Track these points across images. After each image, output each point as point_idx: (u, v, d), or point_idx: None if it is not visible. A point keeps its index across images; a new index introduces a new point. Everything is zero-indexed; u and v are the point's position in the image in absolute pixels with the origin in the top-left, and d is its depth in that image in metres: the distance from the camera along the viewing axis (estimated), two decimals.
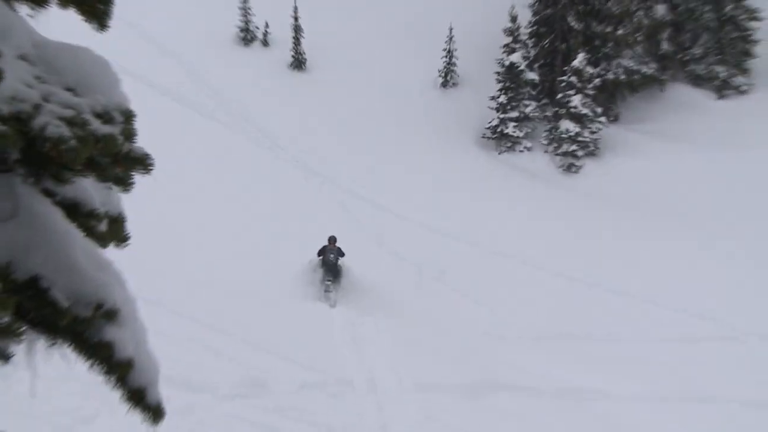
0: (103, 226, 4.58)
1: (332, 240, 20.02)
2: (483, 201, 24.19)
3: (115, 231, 4.72)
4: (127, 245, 4.78)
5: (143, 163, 4.25)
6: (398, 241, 21.58)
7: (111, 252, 4.70)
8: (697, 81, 30.37)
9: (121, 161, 4.21)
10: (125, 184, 4.37)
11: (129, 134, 4.19)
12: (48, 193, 4.38)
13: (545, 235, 22.58)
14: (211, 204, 21.62)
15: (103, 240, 4.66)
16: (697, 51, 30.60)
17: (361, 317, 17.27)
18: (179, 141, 23.71)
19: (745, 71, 29.80)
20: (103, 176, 4.29)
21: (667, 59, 31.19)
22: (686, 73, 30.84)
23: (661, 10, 30.94)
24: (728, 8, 29.66)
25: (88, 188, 4.51)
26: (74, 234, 4.40)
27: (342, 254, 20.06)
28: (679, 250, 21.96)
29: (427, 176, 24.95)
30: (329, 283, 19.67)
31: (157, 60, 28.39)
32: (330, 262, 19.91)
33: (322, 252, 19.99)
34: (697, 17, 30.52)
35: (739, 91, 29.46)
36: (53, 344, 4.27)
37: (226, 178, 23.08)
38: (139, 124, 4.29)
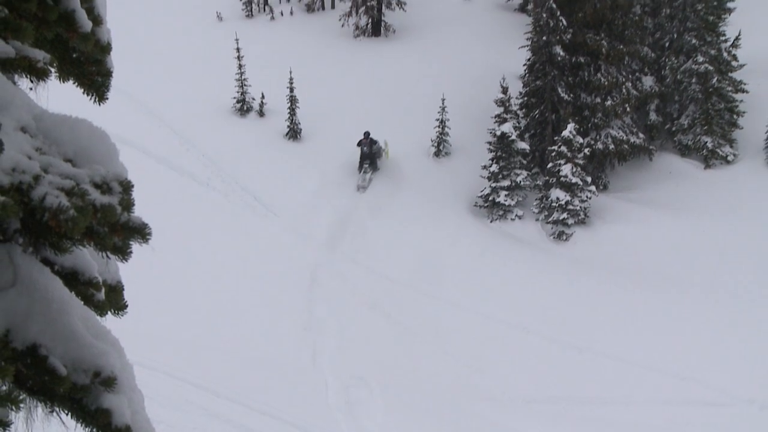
0: (101, 295, 4.70)
1: (366, 135, 28.62)
2: (475, 267, 24.54)
3: (113, 299, 4.86)
4: (125, 313, 4.91)
5: (141, 232, 4.39)
6: (391, 304, 21.91)
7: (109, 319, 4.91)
8: (685, 151, 30.96)
9: (119, 230, 4.33)
10: (123, 253, 4.49)
11: (127, 204, 4.35)
12: (47, 262, 4.50)
13: (536, 300, 22.94)
14: (207, 270, 21.98)
15: (101, 308, 4.79)
16: (684, 122, 31.25)
17: (354, 379, 17.50)
18: (176, 208, 24.15)
19: (731, 142, 30.44)
20: (102, 245, 4.41)
21: (655, 129, 31.88)
22: (674, 143, 31.48)
23: (648, 81, 31.68)
24: (714, 80, 30.32)
25: (87, 257, 4.65)
26: (73, 302, 4.53)
27: (375, 142, 28.60)
28: (668, 314, 22.36)
29: (420, 242, 25.33)
30: (366, 166, 28.48)
31: (155, 130, 28.93)
32: (364, 152, 28.49)
33: (359, 144, 28.64)
34: (684, 89, 31.23)
35: (726, 161, 30.05)
36: (52, 411, 4.42)
37: (222, 243, 23.47)
38: (136, 194, 4.48)
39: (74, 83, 4.83)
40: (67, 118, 4.69)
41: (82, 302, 4.69)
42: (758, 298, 22.82)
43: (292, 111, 29.87)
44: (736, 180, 28.99)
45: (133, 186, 4.43)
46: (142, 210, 4.72)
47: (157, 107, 30.33)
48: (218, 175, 27.42)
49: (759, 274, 23.95)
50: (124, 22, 34.90)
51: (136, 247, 4.51)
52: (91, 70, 4.78)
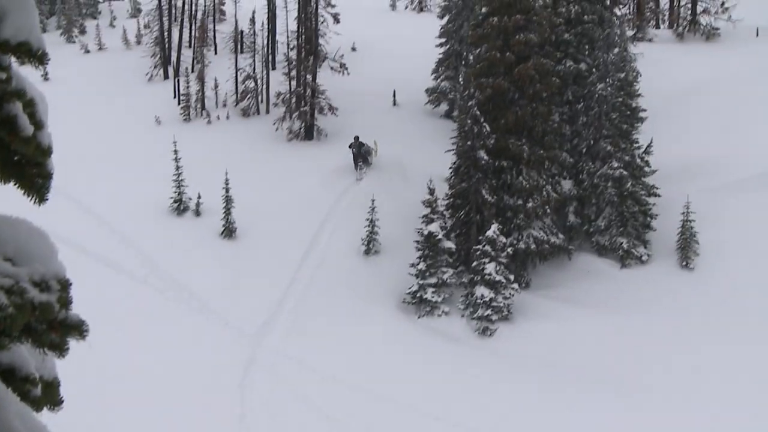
0: (37, 391, 4.68)
1: (356, 138, 36.37)
2: (405, 362, 25.35)
3: (49, 395, 4.83)
4: (60, 408, 4.94)
5: (78, 329, 4.51)
6: (323, 398, 22.56)
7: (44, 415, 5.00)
8: (602, 251, 32.19)
9: (56, 327, 4.49)
10: (60, 349, 4.59)
11: (65, 302, 4.46)
12: None
13: (460, 395, 23.73)
14: (142, 366, 22.54)
15: (37, 404, 4.77)
16: (601, 223, 32.47)
17: None
18: (113, 305, 24.80)
19: (645, 243, 31.75)
20: (40, 342, 4.54)
21: (574, 230, 33.07)
22: (591, 244, 32.63)
23: (567, 185, 33.07)
24: (628, 184, 31.71)
25: (24, 353, 4.64)
26: (9, 398, 4.57)
27: (363, 144, 36.24)
28: (587, 408, 23.24)
29: (351, 338, 26.12)
30: (360, 163, 36.36)
31: (93, 229, 29.69)
32: (355, 153, 36.28)
33: (351, 146, 36.25)
34: (601, 192, 32.45)
35: (641, 261, 31.34)
36: None
37: (157, 339, 24.09)
38: (74, 292, 4.62)
39: (15, 185, 4.83)
40: (7, 218, 4.79)
41: (19, 398, 4.69)
42: (668, 396, 23.70)
43: (228, 211, 30.80)
44: (651, 279, 30.21)
45: (71, 284, 4.56)
46: (79, 307, 4.84)
47: (96, 207, 31.12)
48: (155, 272, 28.14)
49: (670, 372, 24.96)
50: (65, 125, 35.87)
51: (73, 343, 4.63)
52: (32, 172, 4.77)
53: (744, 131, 36.91)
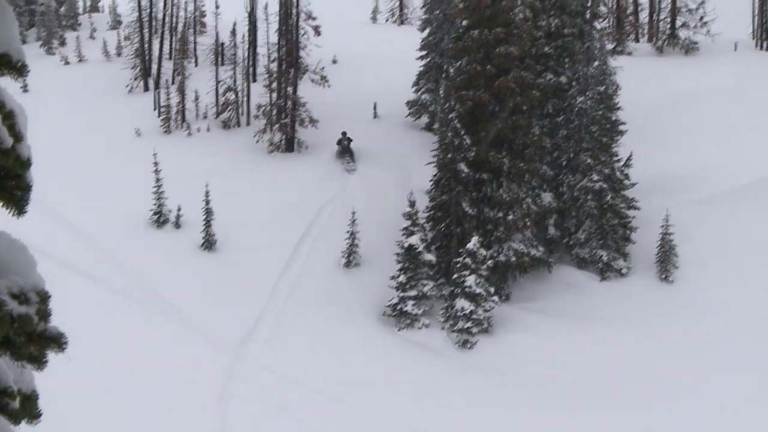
0: (15, 404, 4.64)
1: (344, 134, 38.73)
2: (384, 374, 25.34)
3: (27, 408, 4.80)
4: (39, 421, 4.90)
5: (57, 341, 4.48)
6: (303, 409, 22.53)
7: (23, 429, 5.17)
8: (582, 264, 32.36)
9: (35, 340, 4.47)
10: (39, 362, 4.56)
11: (44, 314, 4.45)
12: None
13: (439, 407, 23.75)
14: (123, 379, 22.46)
15: (15, 417, 4.71)
16: (581, 236, 32.64)
17: None
18: (93, 318, 24.70)
19: (624, 255, 31.91)
20: (18, 354, 4.51)
21: (554, 243, 33.23)
22: (572, 256, 32.81)
23: (547, 197, 33.22)
24: (608, 197, 31.89)
25: (2, 366, 4.60)
26: None
27: (350, 140, 38.71)
28: (567, 419, 23.32)
29: (331, 350, 26.10)
30: (348, 157, 38.45)
31: (73, 241, 29.57)
32: (345, 146, 38.66)
33: (339, 142, 38.69)
34: (581, 205, 32.66)
35: (620, 273, 31.50)
36: None
37: (138, 351, 24.01)
38: (54, 304, 4.63)
39: None
40: None
41: None
42: (649, 407, 23.77)
43: (208, 223, 30.72)
44: (630, 292, 30.35)
45: (50, 296, 4.56)
46: (58, 320, 4.82)
47: (75, 219, 30.97)
48: (135, 285, 28.02)
49: (650, 384, 25.04)
50: (44, 137, 35.67)
51: (52, 356, 4.60)
52: (10, 184, 4.72)
53: (723, 145, 37.26)
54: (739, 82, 43.49)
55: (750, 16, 59.80)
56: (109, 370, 22.60)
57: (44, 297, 4.50)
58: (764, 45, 56.34)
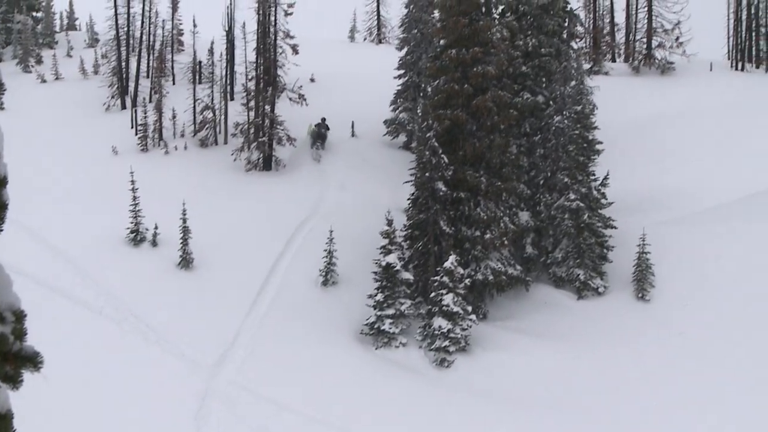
0: None
1: (323, 120, 40.59)
2: (362, 394, 25.23)
3: (2, 427, 4.67)
4: None
5: (33, 361, 4.39)
6: (279, 429, 22.38)
7: None
8: (559, 282, 32.44)
9: (11, 359, 4.37)
10: (14, 381, 4.44)
11: (19, 333, 4.36)
12: None
13: (417, 426, 23.67)
14: (99, 399, 22.27)
15: None
16: (558, 255, 32.75)
17: None
18: (69, 337, 24.51)
19: (601, 274, 32.03)
20: None
21: (531, 262, 33.33)
22: (549, 275, 32.90)
23: (525, 216, 33.36)
24: (585, 216, 32.00)
25: None
26: None
27: (327, 128, 40.84)
28: None
29: (308, 370, 25.97)
30: (318, 144, 40.50)
31: (49, 260, 29.34)
32: (321, 132, 40.84)
33: (317, 126, 40.43)
34: (558, 224, 32.75)
35: (597, 292, 31.57)
36: None
37: (114, 371, 23.82)
38: (29, 323, 4.50)
39: None
40: None
41: None
42: (625, 428, 23.80)
43: (185, 241, 30.59)
44: (607, 311, 30.43)
45: (26, 315, 4.48)
46: (34, 339, 4.79)
47: (51, 238, 30.76)
48: (111, 303, 27.81)
49: (626, 403, 25.05)
50: (20, 155, 35.45)
51: (27, 375, 4.51)
52: None
53: (700, 164, 37.56)
54: (715, 102, 43.92)
55: (725, 36, 60.61)
56: (84, 389, 22.39)
57: (20, 316, 4.44)
58: (739, 65, 56.99)
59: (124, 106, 47.61)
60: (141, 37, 51.72)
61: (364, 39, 73.35)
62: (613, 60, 59.34)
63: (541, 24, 35.82)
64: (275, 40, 41.26)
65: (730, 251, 30.88)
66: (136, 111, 43.56)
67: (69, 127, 43.27)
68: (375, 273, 29.27)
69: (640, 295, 30.51)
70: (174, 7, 54.89)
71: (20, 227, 28.98)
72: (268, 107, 40.60)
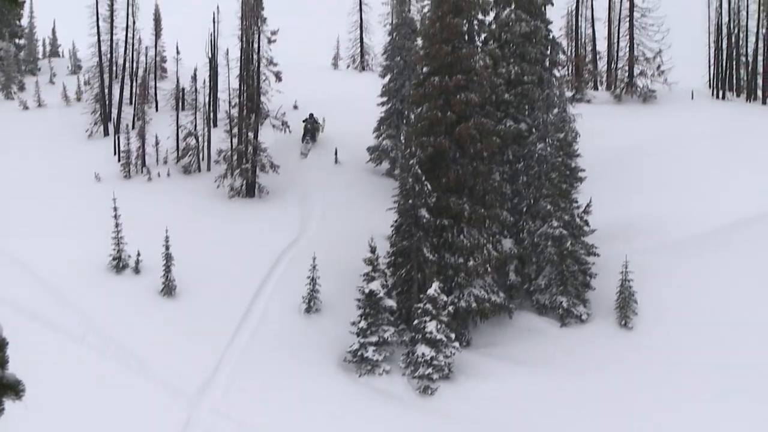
0: None
1: (311, 115, 43.53)
2: (342, 422, 25.14)
3: None
4: None
5: (15, 389, 4.40)
6: None
7: None
8: (542, 310, 32.47)
9: None
10: None
11: (1, 361, 4.40)
12: None
13: None
14: (79, 429, 22.08)
15: None
16: (541, 282, 32.80)
17: None
18: (50, 365, 24.32)
19: (584, 302, 32.10)
20: None
21: (514, 289, 33.35)
22: (532, 302, 32.92)
23: (508, 243, 33.41)
24: (568, 244, 32.06)
25: None
26: None
27: (317, 122, 43.54)
28: None
29: (291, 398, 25.87)
30: (308, 138, 42.88)
31: (30, 287, 29.10)
32: (308, 128, 43.02)
33: (305, 121, 42.65)
34: (541, 251, 32.83)
35: (580, 320, 31.65)
36: None
37: (96, 400, 23.65)
38: (11, 351, 4.56)
39: None
40: None
41: None
42: None
43: (168, 268, 30.45)
44: (590, 338, 30.46)
45: (7, 343, 4.51)
46: (15, 367, 4.74)
47: (33, 265, 30.53)
48: (93, 331, 27.62)
49: (607, 430, 25.14)
50: (2, 182, 35.49)
51: (8, 403, 4.52)
52: None
53: (681, 192, 37.77)
54: (696, 130, 44.25)
55: (706, 65, 61.16)
56: (65, 417, 22.22)
57: (1, 344, 4.45)
58: (720, 94, 57.50)
59: (106, 133, 47.44)
60: (124, 63, 51.67)
61: (348, 66, 73.52)
62: (596, 88, 59.76)
63: (523, 52, 36.06)
64: (258, 67, 41.38)
65: (712, 279, 31.03)
66: (119, 138, 43.43)
67: (52, 154, 43.08)
68: (358, 300, 29.20)
69: (623, 322, 30.57)
70: (157, 34, 54.80)
71: (1, 254, 28.80)
72: (251, 134, 40.60)
